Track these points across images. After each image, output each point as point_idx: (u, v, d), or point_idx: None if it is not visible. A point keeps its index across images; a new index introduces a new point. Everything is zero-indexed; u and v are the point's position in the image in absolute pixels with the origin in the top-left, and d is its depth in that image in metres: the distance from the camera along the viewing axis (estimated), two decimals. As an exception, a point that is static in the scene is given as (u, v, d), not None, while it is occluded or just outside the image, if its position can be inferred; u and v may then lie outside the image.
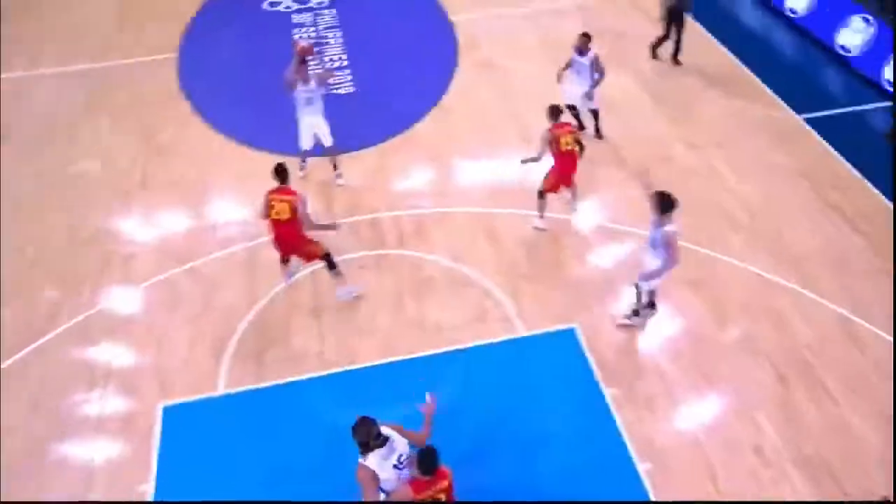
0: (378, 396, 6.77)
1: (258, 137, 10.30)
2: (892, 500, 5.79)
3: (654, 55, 11.79)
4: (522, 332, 7.43)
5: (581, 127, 9.96)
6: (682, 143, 10.02)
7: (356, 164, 9.76)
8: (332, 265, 7.59)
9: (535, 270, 8.15)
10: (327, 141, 9.13)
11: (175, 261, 8.46)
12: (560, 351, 7.24)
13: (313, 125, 9.06)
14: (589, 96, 9.75)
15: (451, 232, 8.63)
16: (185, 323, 7.75)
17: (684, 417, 6.68)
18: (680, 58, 11.61)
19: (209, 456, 6.51)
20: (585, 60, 9.56)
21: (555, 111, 8.28)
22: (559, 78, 9.89)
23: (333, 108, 9.58)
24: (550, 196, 8.50)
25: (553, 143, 8.16)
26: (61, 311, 7.93)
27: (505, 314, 7.63)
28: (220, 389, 7.06)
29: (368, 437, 5.00)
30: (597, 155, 9.52)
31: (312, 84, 8.89)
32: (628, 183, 9.11)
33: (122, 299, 8.10)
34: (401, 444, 5.17)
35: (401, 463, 5.11)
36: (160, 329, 7.71)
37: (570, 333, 7.37)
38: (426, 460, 4.80)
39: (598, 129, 10.07)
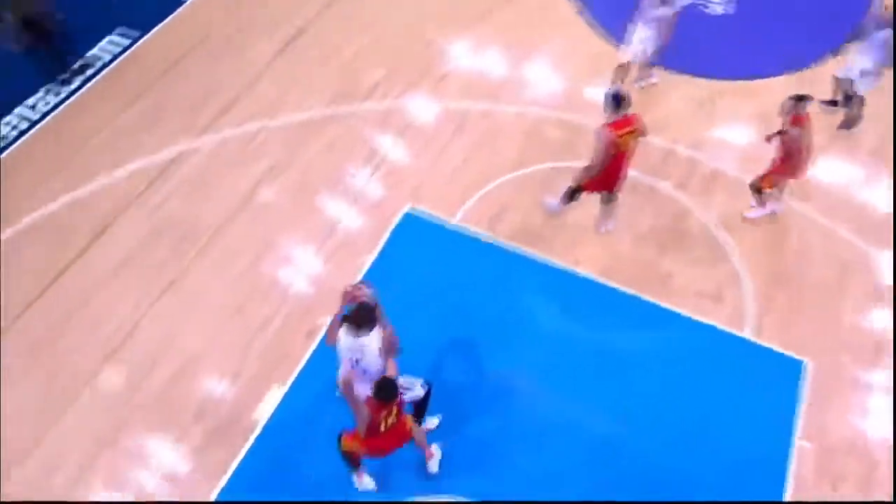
0: (574, 307, 6.95)
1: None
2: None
3: None
4: (746, 334, 6.85)
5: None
6: None
7: (684, 87, 9.15)
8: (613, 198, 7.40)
9: (802, 283, 7.26)
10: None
11: (479, 97, 8.93)
12: (773, 376, 6.58)
13: (645, 39, 8.42)
14: None
15: (738, 200, 7.92)
16: (460, 151, 8.33)
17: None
18: None
19: (414, 270, 7.22)
20: None
21: None
22: None
23: (698, 26, 8.90)
24: None
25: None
26: (377, 90, 8.97)
27: (740, 309, 7.04)
28: (457, 220, 7.65)
29: (360, 320, 5.12)
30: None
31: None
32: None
33: (424, 106, 8.87)
34: (370, 355, 5.22)
35: (356, 364, 5.25)
36: (439, 147, 8.41)
37: (796, 366, 6.63)
38: (383, 389, 5.01)
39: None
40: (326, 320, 6.79)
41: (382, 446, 5.34)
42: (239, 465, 6.03)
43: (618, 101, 6.55)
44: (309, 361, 6.62)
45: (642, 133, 6.79)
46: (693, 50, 9.14)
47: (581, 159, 7.13)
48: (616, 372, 6.52)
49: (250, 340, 6.82)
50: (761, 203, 7.58)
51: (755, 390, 6.44)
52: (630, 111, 6.66)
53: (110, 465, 6.10)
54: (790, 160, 7.13)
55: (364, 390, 5.13)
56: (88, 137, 8.59)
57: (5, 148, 8.52)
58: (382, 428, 5.15)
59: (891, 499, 5.74)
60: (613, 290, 7.11)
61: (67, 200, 7.98)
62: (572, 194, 7.21)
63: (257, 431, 6.21)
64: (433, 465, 5.85)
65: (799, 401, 6.39)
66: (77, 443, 6.22)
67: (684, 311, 6.95)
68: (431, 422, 6.04)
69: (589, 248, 7.43)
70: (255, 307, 7.06)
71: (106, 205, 7.92)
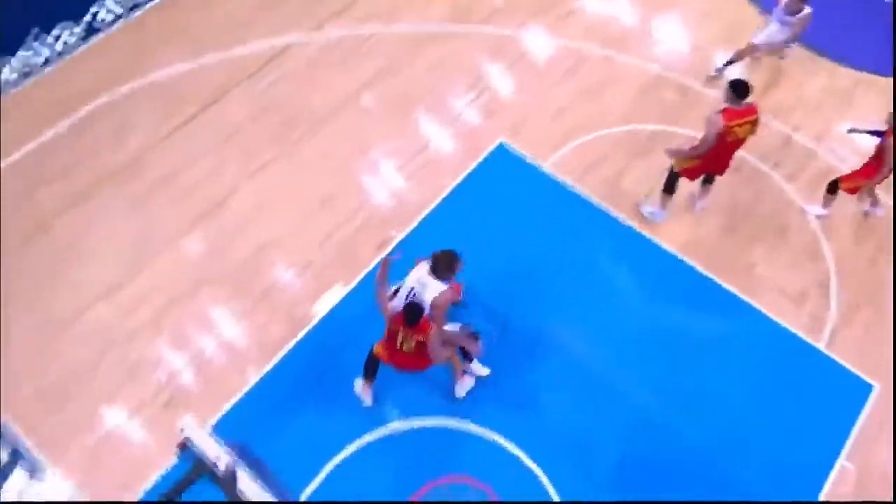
0: (646, 276, 6.82)
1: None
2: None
3: None
4: (821, 346, 6.54)
5: None
6: None
7: (823, 72, 8.47)
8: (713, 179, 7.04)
9: (891, 304, 6.81)
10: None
11: (601, 42, 8.58)
12: (838, 392, 6.30)
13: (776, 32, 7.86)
14: None
15: (849, 202, 7.37)
16: (568, 95, 8.10)
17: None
18: None
19: (495, 204, 7.21)
20: None
21: None
22: None
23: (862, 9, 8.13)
24: None
25: None
26: (497, 15, 8.77)
27: (820, 316, 6.70)
28: (548, 164, 7.53)
29: (440, 264, 5.37)
30: None
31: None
32: None
33: (542, 40, 8.60)
34: (425, 296, 5.38)
35: (411, 293, 5.47)
36: (548, 85, 8.19)
37: (865, 388, 6.31)
38: (409, 311, 5.19)
39: None
40: (397, 235, 6.96)
41: (398, 361, 5.57)
42: (291, 348, 6.36)
43: (738, 90, 6.17)
44: (374, 270, 6.78)
45: (756, 125, 6.40)
46: (846, 34, 8.39)
47: (689, 129, 6.82)
48: (674, 349, 6.41)
49: (326, 236, 7.06)
50: (828, 204, 7.10)
51: (814, 401, 6.21)
52: (752, 98, 6.28)
53: (177, 323, 6.55)
54: (881, 168, 6.60)
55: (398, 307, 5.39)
56: (209, 10, 8.81)
57: (136, 7, 8.81)
58: (398, 343, 5.36)
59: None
60: (690, 267, 6.89)
61: (183, 70, 8.28)
62: (672, 184, 6.85)
63: (314, 322, 6.51)
64: (459, 391, 6.00)
65: (857, 422, 6.12)
66: (152, 295, 6.69)
67: (761, 307, 6.69)
68: (481, 369, 6.11)
69: (675, 222, 7.18)
70: (337, 206, 7.26)
71: (217, 79, 8.19)
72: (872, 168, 6.69)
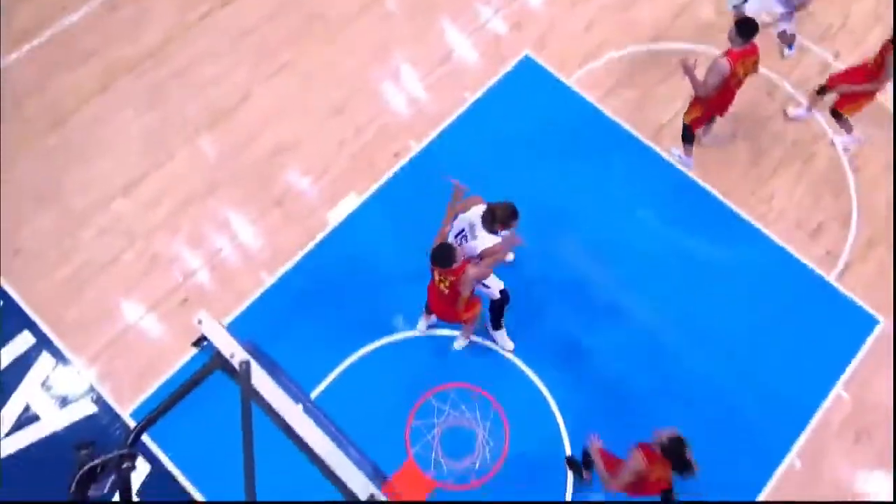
0: (663, 199, 6.79)
1: None
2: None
3: None
4: (832, 278, 6.53)
5: None
6: None
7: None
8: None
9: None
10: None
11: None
12: (842, 324, 6.33)
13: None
14: None
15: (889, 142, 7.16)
16: (600, 9, 7.78)
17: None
18: None
19: (517, 117, 7.08)
20: None
21: None
22: None
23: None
24: None
25: None
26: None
27: (836, 251, 6.65)
28: (573, 80, 7.32)
29: (496, 216, 5.23)
30: None
31: None
32: None
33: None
34: (476, 244, 5.28)
35: (461, 236, 5.39)
36: (578, -3, 7.87)
37: (869, 322, 6.33)
38: (436, 252, 5.00)
39: None
40: (415, 145, 6.89)
41: (435, 303, 5.51)
42: (305, 254, 6.45)
43: (744, 30, 5.91)
44: (390, 180, 6.78)
45: (758, 64, 6.18)
46: None
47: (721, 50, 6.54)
48: (684, 271, 6.44)
49: (342, 143, 7.00)
50: (847, 128, 6.87)
51: (818, 331, 6.27)
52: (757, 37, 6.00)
53: (194, 222, 6.63)
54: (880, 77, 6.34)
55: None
56: None
57: None
58: (437, 281, 5.21)
59: (891, 499, 5.64)
60: (708, 193, 6.82)
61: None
62: (689, 134, 6.63)
63: (328, 230, 6.56)
64: (458, 342, 6.03)
65: (858, 354, 6.20)
66: (171, 192, 6.74)
67: (776, 237, 6.64)
68: (506, 342, 6.05)
69: (697, 149, 6.99)
70: (355, 111, 7.15)
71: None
72: (864, 74, 6.47)
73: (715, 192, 6.82)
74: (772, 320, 6.29)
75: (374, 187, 6.74)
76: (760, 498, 5.68)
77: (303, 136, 7.03)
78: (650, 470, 4.51)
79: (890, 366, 6.16)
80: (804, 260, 6.56)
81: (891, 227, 6.75)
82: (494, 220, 5.24)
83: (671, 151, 6.96)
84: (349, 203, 6.67)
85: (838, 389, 6.06)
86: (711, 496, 5.42)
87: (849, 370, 6.13)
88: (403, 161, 6.85)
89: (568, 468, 5.67)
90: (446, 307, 5.44)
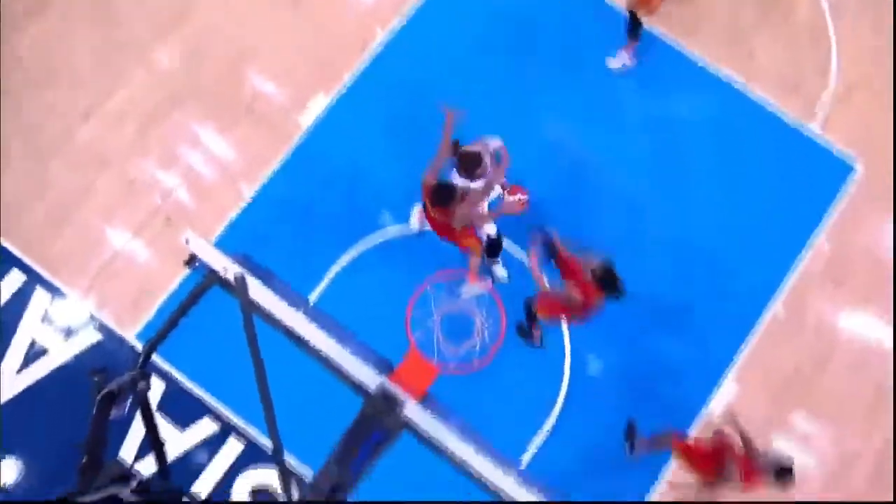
0: (641, 61, 6.61)
1: None
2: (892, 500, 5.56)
3: None
4: (812, 129, 6.53)
5: None
6: None
7: None
8: None
9: (890, 92, 6.62)
10: None
11: None
12: (818, 172, 6.41)
13: None
14: None
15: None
16: None
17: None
18: None
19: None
20: None
21: None
22: None
23: None
24: None
25: None
26: None
27: (814, 100, 6.61)
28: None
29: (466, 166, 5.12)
30: None
31: None
32: None
33: None
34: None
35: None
36: None
37: (844, 168, 6.39)
38: (433, 192, 4.91)
39: None
40: (381, 33, 6.61)
41: (433, 222, 5.43)
42: (282, 162, 6.33)
43: None
44: (358, 79, 6.55)
45: None
46: None
47: None
48: (662, 132, 6.42)
49: (303, 41, 6.70)
50: None
51: (796, 181, 6.37)
52: None
53: (163, 139, 6.44)
54: None
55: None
56: None
57: None
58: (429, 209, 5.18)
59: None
60: (684, 53, 6.67)
61: None
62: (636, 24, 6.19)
63: (301, 134, 6.41)
64: (466, 290, 5.94)
65: (835, 201, 6.32)
66: (133, 112, 6.51)
67: (755, 90, 6.58)
68: (501, 270, 6.01)
69: (675, 6, 6.73)
70: (312, 7, 6.80)
71: None
72: None
73: (695, 50, 6.67)
74: (749, 175, 6.37)
75: (341, 85, 6.53)
76: (745, 348, 5.95)
77: (261, 38, 6.71)
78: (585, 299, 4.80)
79: (867, 210, 6.30)
80: (785, 110, 6.54)
81: (871, 76, 6.67)
82: (460, 168, 5.16)
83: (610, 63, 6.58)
84: (318, 104, 6.49)
85: (818, 237, 6.22)
86: (695, 350, 5.71)
87: (826, 218, 6.27)
88: (372, 51, 6.59)
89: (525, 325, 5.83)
90: (446, 227, 5.33)
